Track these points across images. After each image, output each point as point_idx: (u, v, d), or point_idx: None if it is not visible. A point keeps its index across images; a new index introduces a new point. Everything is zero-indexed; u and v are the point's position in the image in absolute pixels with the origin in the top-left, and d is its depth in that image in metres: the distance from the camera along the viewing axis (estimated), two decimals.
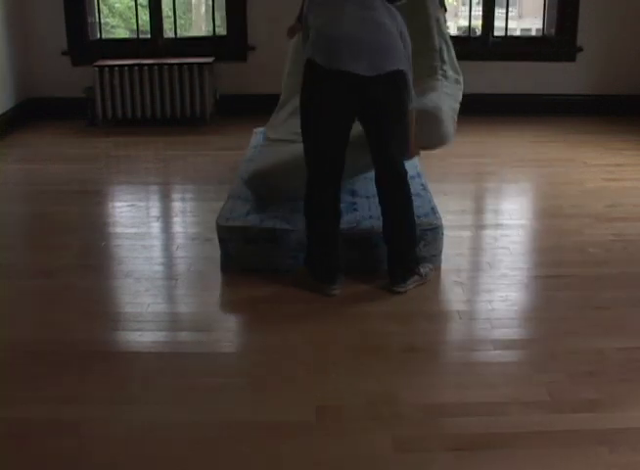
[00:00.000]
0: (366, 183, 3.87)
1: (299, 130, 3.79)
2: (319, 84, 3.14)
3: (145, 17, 6.66)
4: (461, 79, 4.05)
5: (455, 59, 4.06)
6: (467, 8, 7.00)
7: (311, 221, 3.32)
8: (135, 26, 6.69)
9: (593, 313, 3.14)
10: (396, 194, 3.30)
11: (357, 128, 3.30)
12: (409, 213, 3.32)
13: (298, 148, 3.45)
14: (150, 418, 2.47)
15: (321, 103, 3.16)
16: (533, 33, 7.90)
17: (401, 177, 3.28)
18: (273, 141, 4.18)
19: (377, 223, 3.46)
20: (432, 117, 3.49)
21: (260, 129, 4.81)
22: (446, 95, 3.79)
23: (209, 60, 6.34)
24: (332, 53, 3.08)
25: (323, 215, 3.30)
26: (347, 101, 3.14)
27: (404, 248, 3.34)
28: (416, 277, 3.35)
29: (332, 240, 3.33)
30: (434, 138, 3.55)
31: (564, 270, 3.56)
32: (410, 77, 3.21)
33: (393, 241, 3.34)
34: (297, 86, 4.08)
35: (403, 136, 3.26)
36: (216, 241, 3.55)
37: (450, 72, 4.01)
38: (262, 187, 3.74)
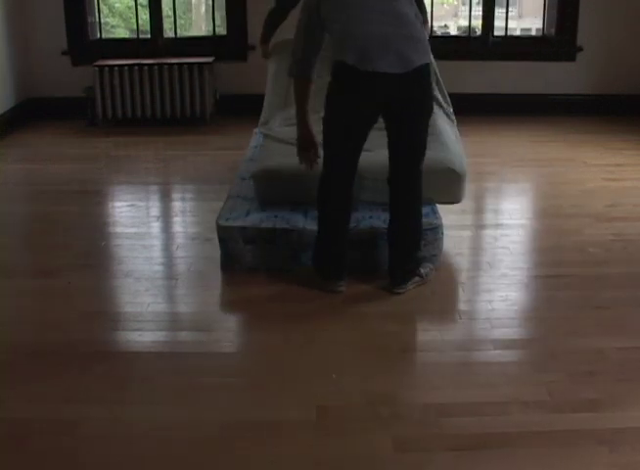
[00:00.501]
0: None
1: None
2: (351, 84, 3.10)
3: (145, 16, 6.66)
4: (451, 110, 4.08)
5: (441, 81, 4.07)
6: (467, 8, 7.00)
7: (324, 215, 3.33)
8: (135, 26, 6.69)
9: (593, 313, 3.14)
10: (409, 194, 3.29)
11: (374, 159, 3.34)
12: (417, 215, 3.32)
13: None
14: (150, 418, 2.47)
15: (351, 103, 3.14)
16: (533, 33, 7.89)
17: (417, 178, 3.27)
18: (276, 139, 4.17)
19: (377, 223, 3.46)
20: (456, 178, 3.61)
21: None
22: (455, 140, 3.85)
23: (209, 60, 6.35)
24: (363, 53, 3.04)
25: (336, 209, 3.31)
26: (377, 100, 3.13)
27: (408, 250, 3.34)
28: (416, 278, 3.35)
29: (342, 235, 3.34)
30: (451, 197, 3.70)
31: (564, 270, 3.56)
32: (434, 67, 3.20)
33: (398, 242, 3.33)
34: (281, 103, 4.16)
35: (426, 134, 3.24)
36: (216, 241, 3.55)
37: (440, 97, 4.03)
38: (265, 186, 3.72)
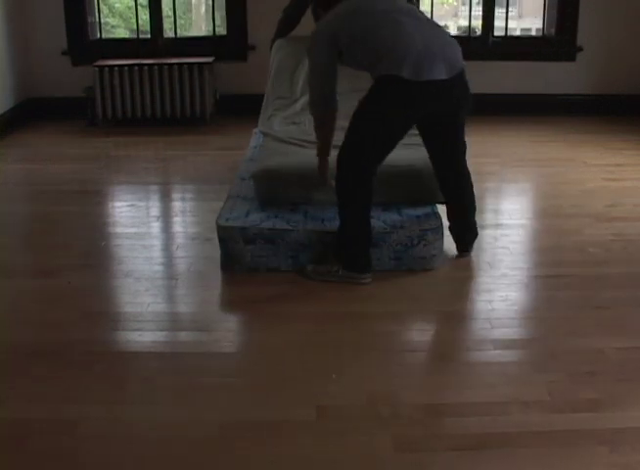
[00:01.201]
0: None
1: (301, 137, 3.93)
2: (405, 97, 3.18)
3: (145, 16, 6.67)
4: None
5: None
6: (467, 8, 7.00)
7: (345, 213, 3.35)
8: (135, 26, 6.69)
9: (593, 313, 3.14)
10: (465, 166, 3.55)
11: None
12: (471, 188, 3.60)
13: (308, 154, 3.54)
14: (150, 418, 2.47)
15: (402, 114, 3.23)
16: (533, 33, 7.90)
17: (464, 152, 3.55)
18: (277, 139, 4.16)
19: (376, 223, 3.46)
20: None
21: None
22: None
23: (209, 60, 6.35)
24: (418, 65, 3.12)
25: (359, 206, 3.34)
26: (429, 107, 3.25)
27: (473, 213, 3.61)
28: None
29: (367, 230, 3.36)
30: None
31: (564, 270, 3.56)
32: None
33: (468, 212, 3.60)
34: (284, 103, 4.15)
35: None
36: (216, 241, 3.55)
37: None
38: (265, 186, 3.72)
